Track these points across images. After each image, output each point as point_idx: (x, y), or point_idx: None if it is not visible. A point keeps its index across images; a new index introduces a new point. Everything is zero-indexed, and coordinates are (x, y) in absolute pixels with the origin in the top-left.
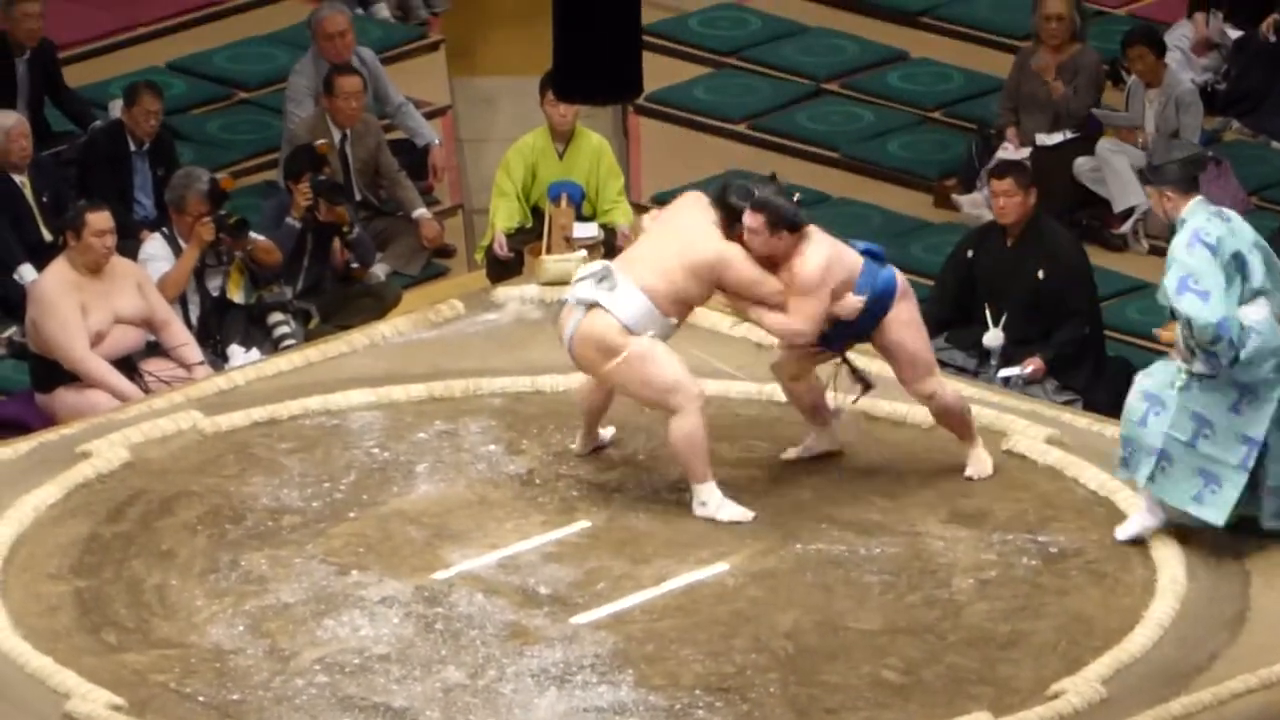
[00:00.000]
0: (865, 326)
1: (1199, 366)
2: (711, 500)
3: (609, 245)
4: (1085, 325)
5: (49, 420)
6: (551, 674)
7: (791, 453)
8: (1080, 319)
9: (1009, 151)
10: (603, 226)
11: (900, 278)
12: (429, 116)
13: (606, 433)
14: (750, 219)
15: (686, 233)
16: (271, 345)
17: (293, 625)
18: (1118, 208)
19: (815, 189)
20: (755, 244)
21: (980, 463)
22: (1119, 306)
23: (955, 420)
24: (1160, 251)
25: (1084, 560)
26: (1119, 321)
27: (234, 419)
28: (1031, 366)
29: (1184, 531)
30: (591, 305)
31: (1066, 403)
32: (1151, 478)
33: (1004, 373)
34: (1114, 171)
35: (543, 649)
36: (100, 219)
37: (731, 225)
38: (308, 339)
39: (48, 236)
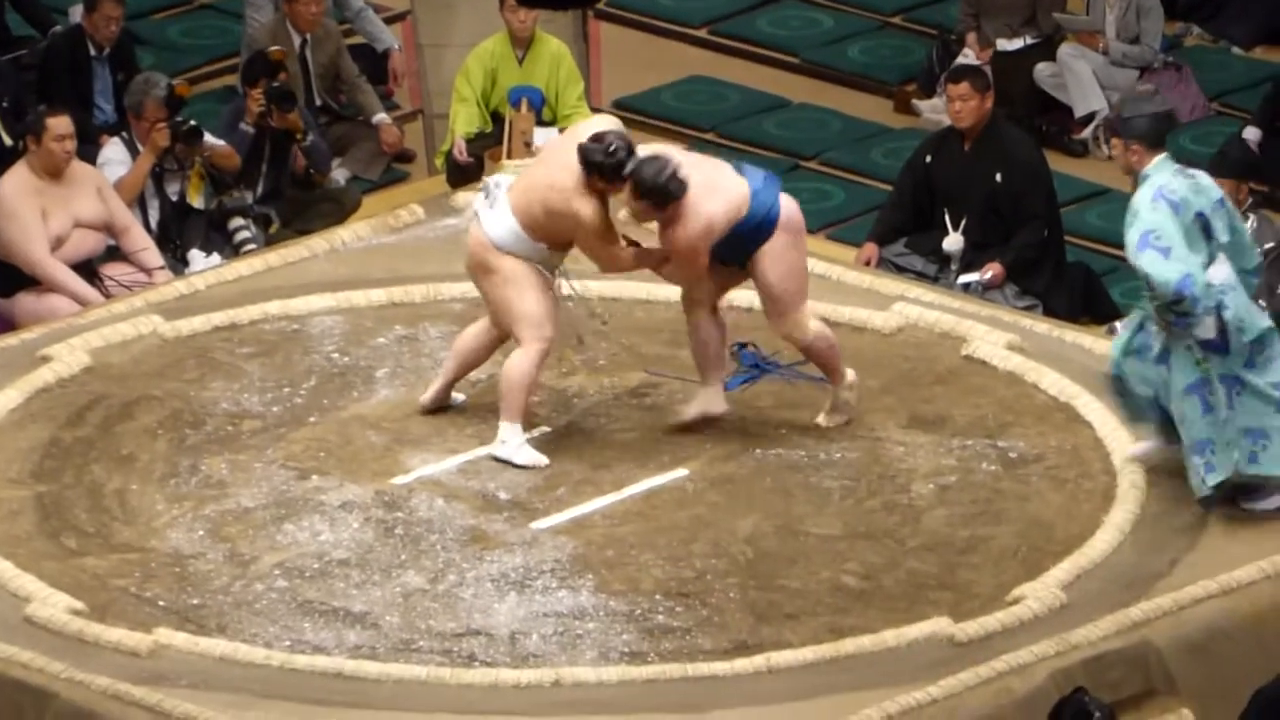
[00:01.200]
0: (735, 255)
1: (1202, 332)
2: (512, 440)
3: None
4: (1044, 228)
5: (9, 325)
6: (511, 579)
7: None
8: (1039, 222)
9: (969, 57)
10: (563, 131)
11: (787, 211)
12: (389, 22)
13: (459, 396)
14: (627, 192)
15: (560, 172)
16: (232, 250)
17: (252, 530)
18: (1079, 113)
19: (776, 94)
20: (634, 212)
21: (837, 409)
22: (1079, 212)
23: (820, 360)
24: None
25: (1044, 466)
26: (1079, 227)
27: (194, 324)
28: (991, 272)
29: (1144, 437)
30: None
31: (1026, 308)
32: (1252, 459)
33: (964, 278)
34: (1075, 76)
35: (502, 554)
36: (60, 124)
37: (597, 181)
38: (268, 244)
39: (8, 141)
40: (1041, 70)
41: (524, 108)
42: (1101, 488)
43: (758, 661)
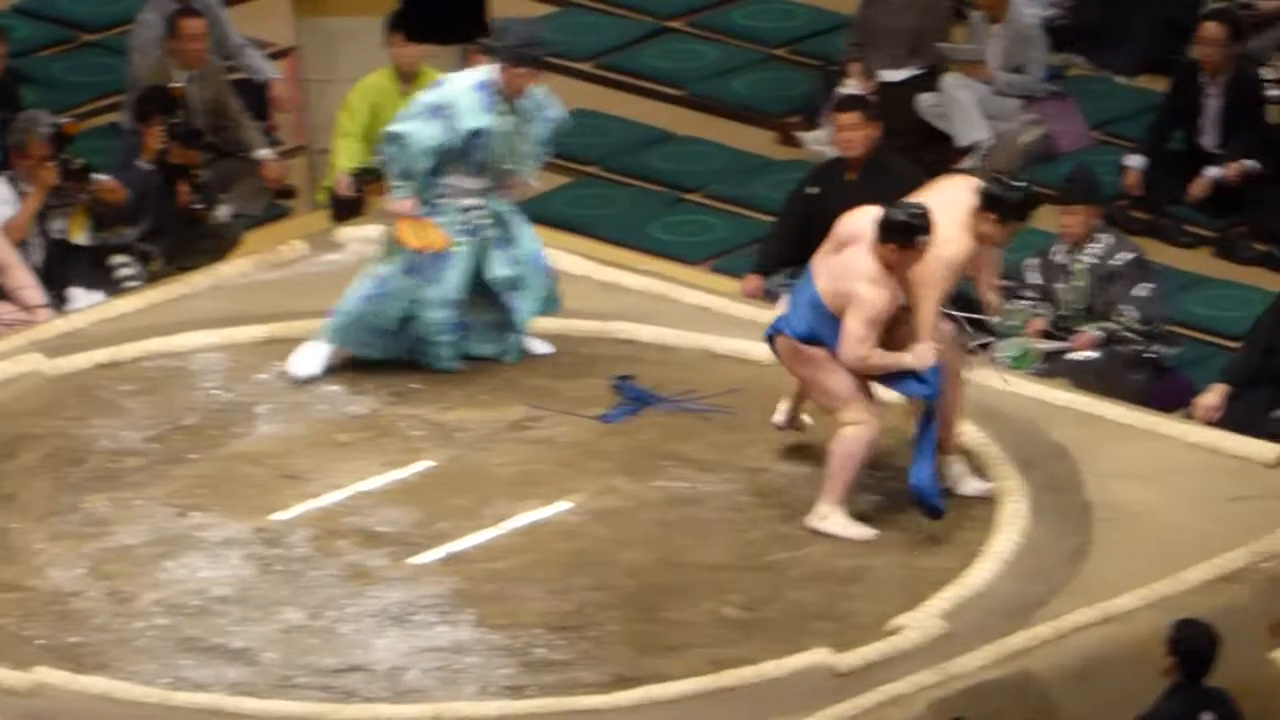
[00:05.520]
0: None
1: None
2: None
3: None
4: None
5: None
6: (391, 614)
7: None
8: None
9: (853, 88)
10: None
11: None
12: (274, 57)
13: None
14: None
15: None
16: (114, 287)
17: (133, 567)
18: (962, 143)
19: (660, 127)
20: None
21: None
22: None
23: None
24: None
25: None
26: None
27: (76, 361)
28: None
29: (1026, 465)
30: None
31: None
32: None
33: None
34: (959, 106)
35: (383, 589)
36: None
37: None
38: (150, 281)
39: None
40: (925, 100)
41: None
42: (982, 516)
43: (638, 694)
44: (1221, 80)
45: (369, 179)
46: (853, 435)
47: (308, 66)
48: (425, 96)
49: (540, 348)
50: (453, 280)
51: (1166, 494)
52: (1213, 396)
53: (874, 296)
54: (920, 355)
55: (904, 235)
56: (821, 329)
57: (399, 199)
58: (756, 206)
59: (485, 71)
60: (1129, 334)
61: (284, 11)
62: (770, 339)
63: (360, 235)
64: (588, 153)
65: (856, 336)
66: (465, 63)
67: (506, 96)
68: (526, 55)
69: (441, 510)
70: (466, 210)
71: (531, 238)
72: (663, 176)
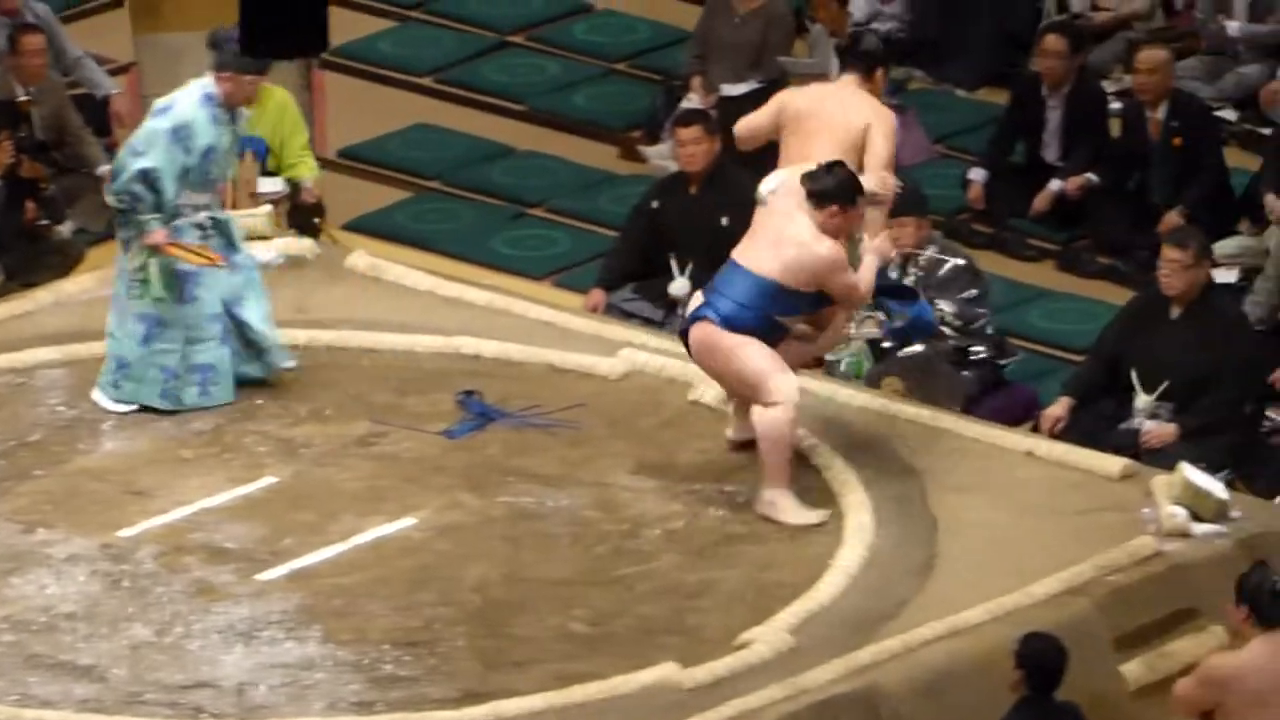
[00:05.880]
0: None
1: None
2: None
3: (294, 200)
4: None
5: None
6: (238, 630)
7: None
8: None
9: (694, 102)
10: (288, 181)
11: None
12: (113, 73)
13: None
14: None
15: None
16: None
17: None
18: None
19: (502, 141)
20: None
21: None
22: None
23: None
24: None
25: None
26: None
27: None
28: None
29: (870, 479)
30: None
31: None
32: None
33: None
34: None
35: (229, 605)
36: None
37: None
38: None
39: None
40: None
41: (248, 158)
42: (829, 530)
43: (486, 710)
44: (1062, 93)
45: None
46: (773, 417)
47: (147, 82)
48: (157, 124)
49: (288, 362)
50: (207, 297)
51: (1012, 508)
52: (1058, 408)
53: (835, 250)
54: (879, 249)
55: (846, 196)
56: (777, 305)
57: (153, 230)
58: (599, 221)
59: (204, 84)
60: (945, 328)
61: (123, 27)
62: (684, 333)
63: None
64: (429, 167)
65: (849, 284)
66: (305, 76)
67: (227, 106)
68: (256, 62)
69: (287, 526)
70: (201, 226)
71: (245, 246)
72: (505, 191)
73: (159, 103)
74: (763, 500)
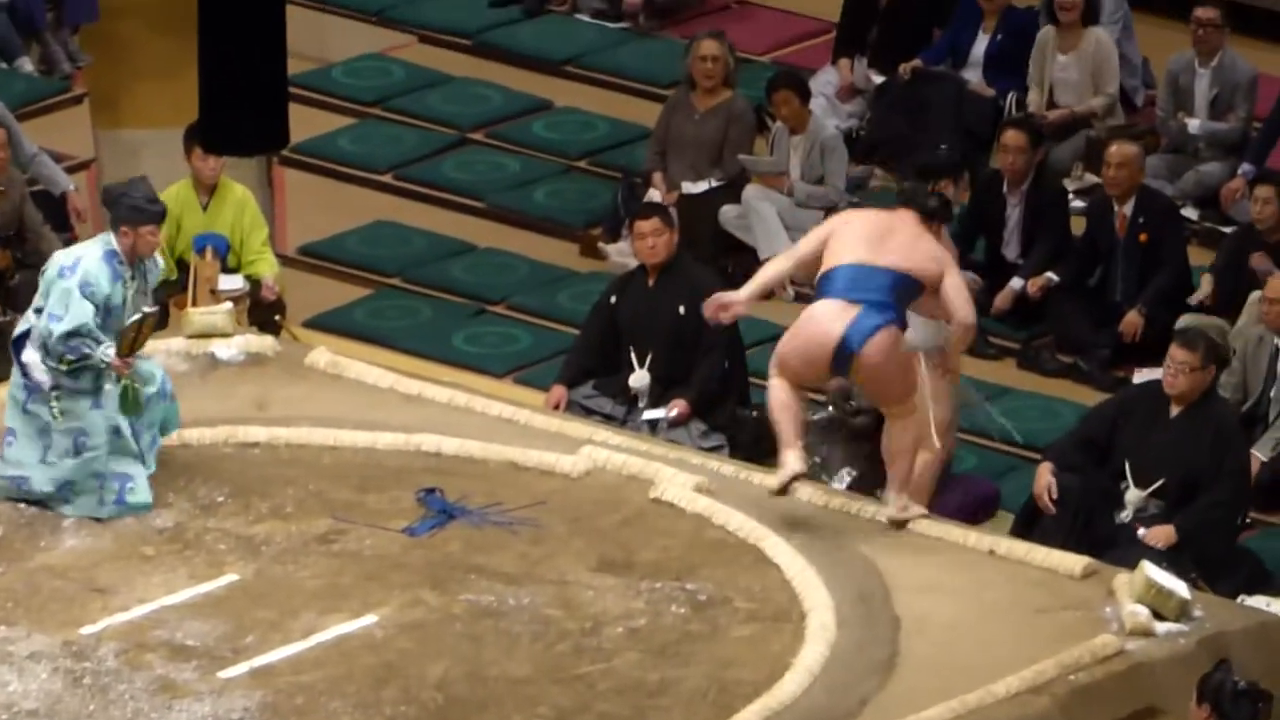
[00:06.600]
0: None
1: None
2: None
3: (254, 297)
4: (724, 359)
5: None
6: None
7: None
8: (718, 352)
9: (656, 198)
10: (248, 278)
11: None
12: (72, 170)
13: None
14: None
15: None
16: None
17: None
18: (763, 254)
19: (461, 239)
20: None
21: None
22: (765, 352)
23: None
24: (806, 299)
25: (732, 607)
26: (766, 367)
27: None
28: (676, 409)
29: (832, 578)
30: None
31: (713, 447)
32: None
33: (648, 414)
34: (760, 218)
35: (191, 703)
36: None
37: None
38: None
39: None
40: (727, 212)
41: (209, 255)
42: (791, 628)
43: None
44: (1022, 190)
45: (169, 291)
46: (925, 460)
47: (107, 178)
48: (67, 283)
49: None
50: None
51: (974, 605)
52: (1046, 475)
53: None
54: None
55: (945, 212)
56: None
57: (112, 360)
58: (560, 318)
59: (106, 240)
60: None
61: (84, 123)
62: (852, 353)
63: (163, 348)
64: (389, 264)
65: (967, 297)
66: (265, 173)
67: (130, 260)
68: (155, 212)
69: (249, 623)
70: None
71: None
72: (465, 288)
73: (65, 261)
74: (897, 504)
